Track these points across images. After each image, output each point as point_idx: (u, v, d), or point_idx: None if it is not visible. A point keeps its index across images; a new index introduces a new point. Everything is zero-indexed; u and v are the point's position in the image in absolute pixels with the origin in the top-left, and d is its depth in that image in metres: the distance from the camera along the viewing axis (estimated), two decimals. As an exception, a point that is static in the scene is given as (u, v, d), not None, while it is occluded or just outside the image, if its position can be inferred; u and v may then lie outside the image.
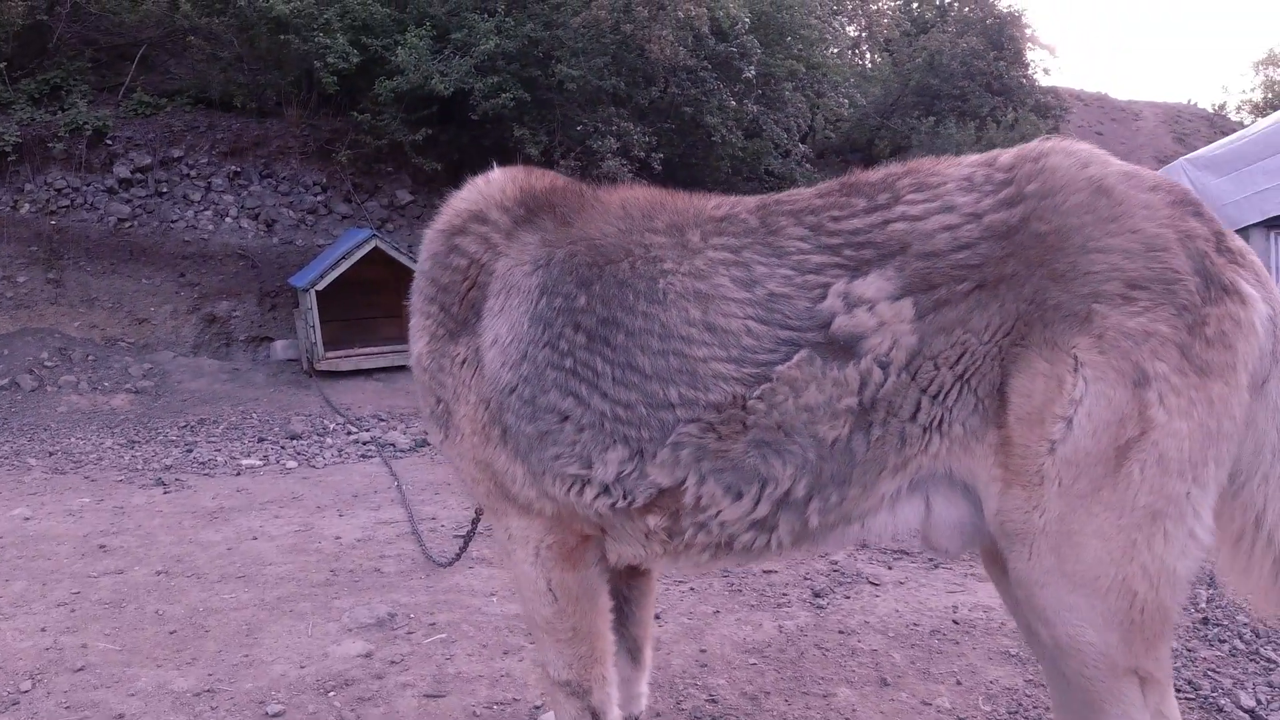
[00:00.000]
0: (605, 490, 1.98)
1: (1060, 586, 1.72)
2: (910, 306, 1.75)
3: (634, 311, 1.91)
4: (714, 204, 2.04)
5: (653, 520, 1.98)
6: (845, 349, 1.77)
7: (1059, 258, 1.70)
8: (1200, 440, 1.66)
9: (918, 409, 1.78)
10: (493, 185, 2.31)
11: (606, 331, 1.93)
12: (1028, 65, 21.02)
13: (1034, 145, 1.85)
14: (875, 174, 1.92)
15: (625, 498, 1.97)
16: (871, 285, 1.77)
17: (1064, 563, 1.70)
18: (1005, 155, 1.84)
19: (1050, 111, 20.76)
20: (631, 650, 2.49)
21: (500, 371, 2.03)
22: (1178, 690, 3.05)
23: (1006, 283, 1.72)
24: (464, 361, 2.12)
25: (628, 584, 2.45)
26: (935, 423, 1.79)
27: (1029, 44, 21.05)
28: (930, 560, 4.55)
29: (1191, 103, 27.68)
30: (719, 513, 1.92)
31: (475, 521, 3.40)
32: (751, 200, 2.02)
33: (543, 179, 2.33)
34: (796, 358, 1.80)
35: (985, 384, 1.76)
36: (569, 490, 2.02)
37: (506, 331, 2.04)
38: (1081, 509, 1.69)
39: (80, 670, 3.48)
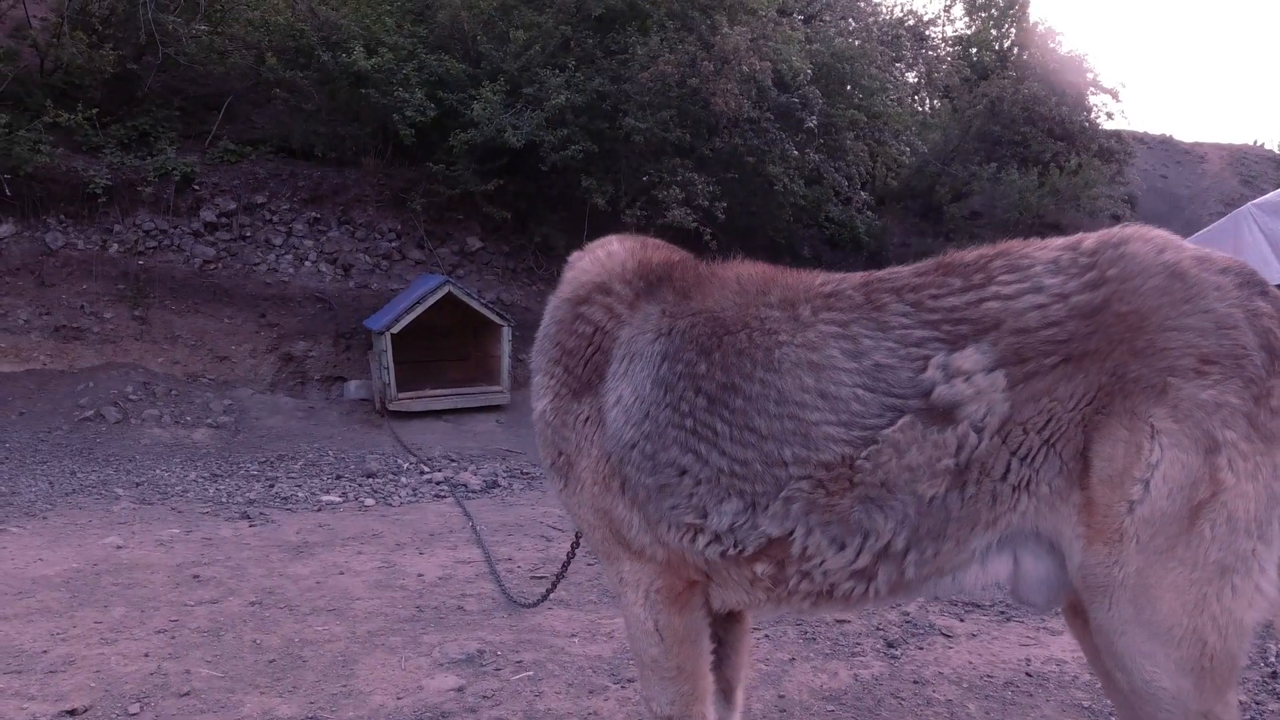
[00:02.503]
0: (717, 538, 2.16)
1: (1138, 635, 1.86)
2: (1003, 378, 1.92)
3: (752, 378, 2.10)
4: (821, 280, 2.24)
5: (760, 567, 2.16)
6: (944, 415, 1.95)
7: (1138, 336, 1.87)
8: (1266, 501, 1.81)
9: (1008, 470, 1.95)
10: (614, 259, 2.52)
11: (726, 396, 2.12)
12: (1090, 110, 20.94)
13: (1115, 231, 2.02)
14: (969, 255, 2.10)
15: (736, 546, 2.15)
16: (968, 358, 1.94)
17: (1141, 613, 1.85)
18: (1089, 240, 2.02)
19: (1114, 156, 20.63)
20: (725, 691, 2.63)
21: (623, 428, 2.23)
22: (1256, 749, 3.09)
23: (1090, 357, 1.89)
24: (587, 419, 2.32)
25: (724, 629, 2.60)
26: (1024, 483, 1.95)
27: (1091, 88, 21.00)
28: (1002, 613, 4.60)
29: (1258, 143, 27.08)
30: (823, 562, 2.08)
31: (565, 566, 3.58)
32: (855, 277, 2.21)
33: (658, 252, 2.55)
34: (900, 422, 1.97)
35: (1070, 448, 1.91)
36: (683, 537, 2.20)
37: (630, 393, 2.24)
38: (1158, 564, 1.84)
39: (186, 695, 3.68)
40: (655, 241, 2.65)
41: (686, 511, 2.17)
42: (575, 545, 3.38)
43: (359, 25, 12.98)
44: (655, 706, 2.37)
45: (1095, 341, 1.89)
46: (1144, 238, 1.98)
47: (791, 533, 2.08)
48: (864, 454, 1.99)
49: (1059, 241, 2.05)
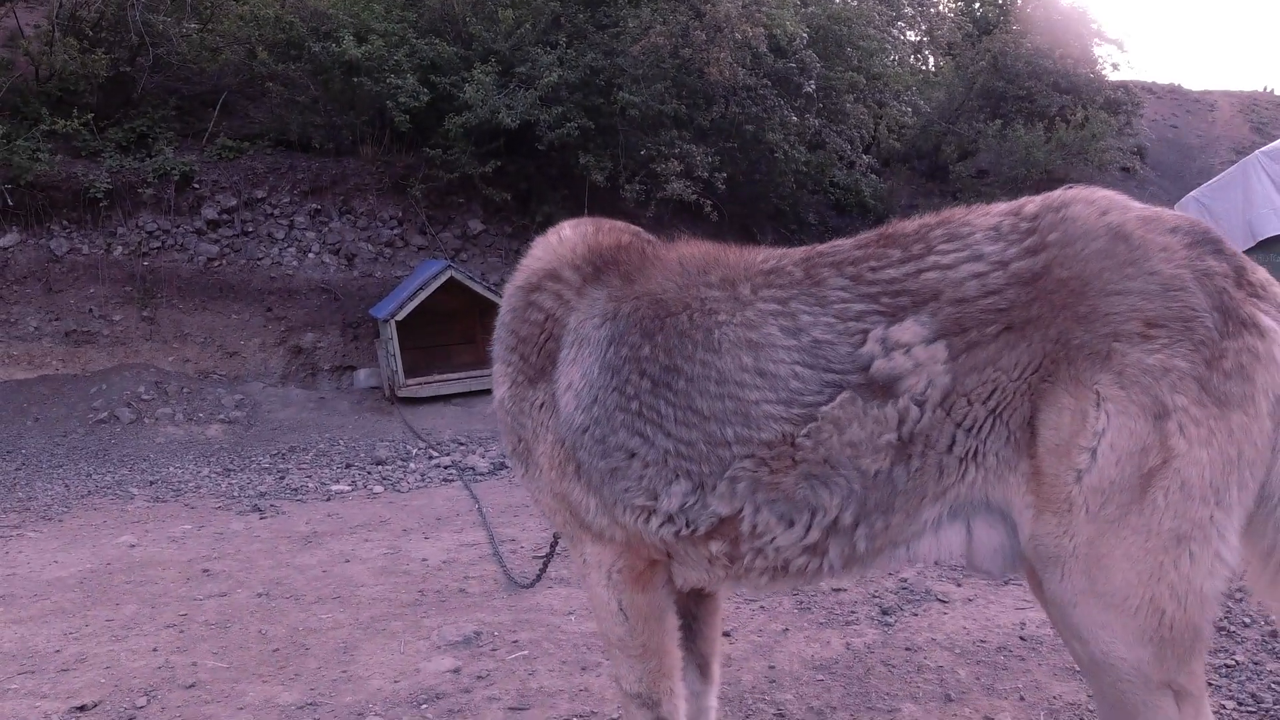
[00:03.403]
0: (670, 519, 2.17)
1: (1092, 606, 1.83)
2: (943, 349, 1.89)
3: (693, 359, 2.11)
4: (762, 258, 2.22)
5: (714, 546, 2.17)
6: (884, 389, 1.93)
7: (1080, 301, 1.83)
8: (1222, 467, 1.76)
9: (953, 442, 1.92)
10: (564, 245, 2.53)
11: (669, 378, 2.13)
12: (1096, 61, 20.58)
13: (1057, 194, 1.98)
14: (910, 225, 2.07)
15: (688, 526, 2.16)
16: (907, 330, 1.92)
17: (1095, 584, 1.81)
18: (1031, 205, 1.98)
19: (1121, 107, 20.28)
20: (701, 666, 2.66)
21: (574, 414, 2.25)
22: (1240, 703, 3.09)
23: (1033, 324, 1.86)
24: (542, 405, 2.34)
25: (696, 603, 2.63)
26: (970, 454, 1.92)
27: (1096, 39, 20.64)
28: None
29: (1268, 90, 26.57)
30: (774, 539, 2.09)
31: (553, 546, 3.62)
32: (797, 252, 2.19)
33: (609, 235, 2.54)
34: (840, 398, 1.96)
35: (1016, 417, 1.88)
36: (637, 519, 2.22)
37: (579, 378, 2.25)
38: (1110, 533, 1.80)
39: (191, 687, 3.76)
40: (611, 224, 2.65)
41: (638, 494, 2.18)
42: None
43: (348, 14, 12.96)
44: (625, 684, 2.40)
45: (1037, 309, 1.86)
46: (1087, 200, 1.93)
47: (740, 511, 2.08)
48: (804, 431, 1.98)
49: (1002, 207, 2.01)
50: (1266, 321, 1.79)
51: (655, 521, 2.19)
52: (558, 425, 2.29)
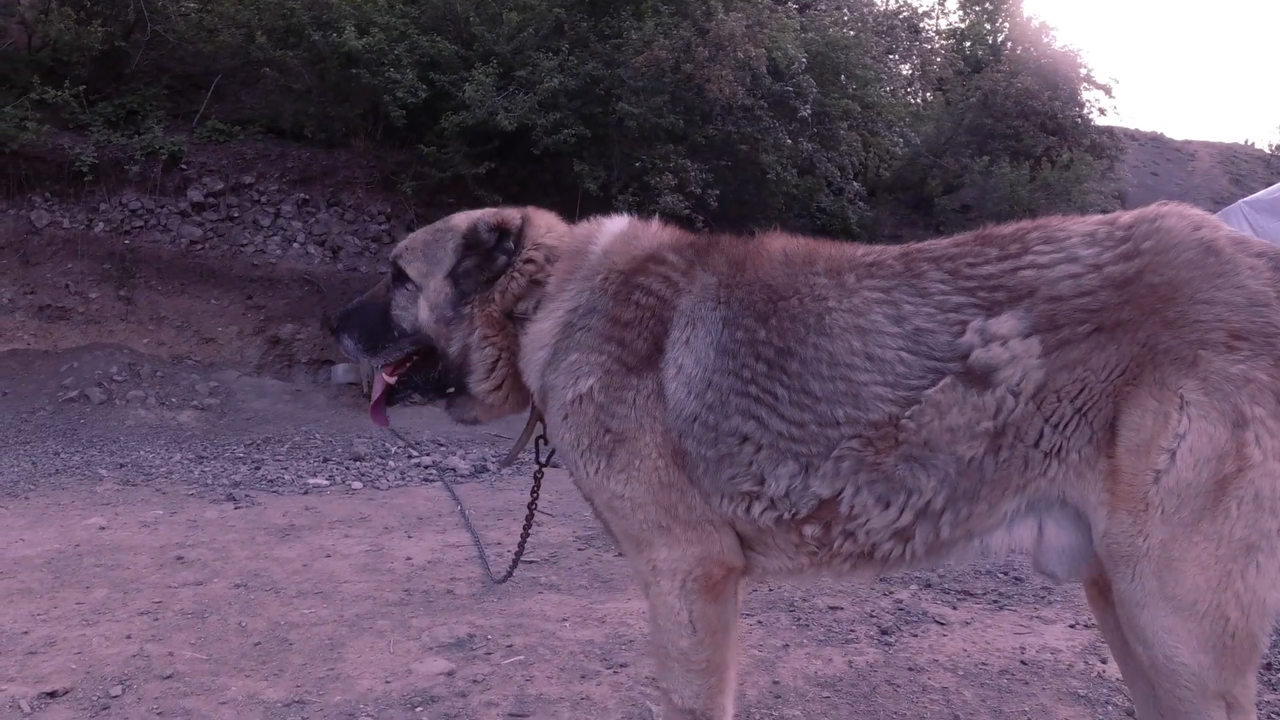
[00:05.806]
0: (773, 504, 2.17)
1: (1160, 608, 1.86)
2: (1038, 344, 1.95)
3: (805, 343, 2.14)
4: (862, 251, 2.28)
5: (808, 530, 2.18)
6: (982, 378, 1.98)
7: (1170, 307, 1.88)
8: None
9: (1041, 436, 1.98)
10: (650, 230, 2.54)
11: (783, 360, 2.15)
12: (1083, 105, 20.94)
13: (1152, 208, 2.05)
14: (1006, 228, 2.15)
15: (790, 510, 2.16)
16: (1005, 324, 1.98)
17: (1164, 586, 1.85)
18: (1126, 216, 2.05)
19: (1105, 152, 20.63)
20: (722, 674, 2.59)
21: (685, 400, 2.21)
22: (1257, 739, 3.06)
23: (1122, 327, 1.91)
24: (649, 395, 2.25)
25: None
26: (1055, 450, 1.97)
27: (1084, 84, 20.99)
28: (994, 601, 4.57)
29: (1248, 143, 27.29)
30: (867, 521, 2.12)
31: (522, 542, 3.34)
32: (895, 249, 2.26)
33: (682, 233, 2.57)
34: (942, 384, 2.01)
35: (1100, 417, 1.93)
36: (737, 506, 2.20)
37: (692, 363, 2.21)
38: (1183, 537, 1.83)
39: (169, 678, 3.60)
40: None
41: (745, 479, 2.17)
42: (529, 519, 3.05)
43: (350, 4, 12.83)
44: (678, 699, 2.30)
45: (1128, 311, 1.91)
46: (1180, 214, 2.00)
47: (840, 492, 2.11)
48: (909, 413, 2.03)
49: (1096, 217, 2.09)
50: None
51: (758, 507, 2.18)
52: (665, 415, 2.22)
